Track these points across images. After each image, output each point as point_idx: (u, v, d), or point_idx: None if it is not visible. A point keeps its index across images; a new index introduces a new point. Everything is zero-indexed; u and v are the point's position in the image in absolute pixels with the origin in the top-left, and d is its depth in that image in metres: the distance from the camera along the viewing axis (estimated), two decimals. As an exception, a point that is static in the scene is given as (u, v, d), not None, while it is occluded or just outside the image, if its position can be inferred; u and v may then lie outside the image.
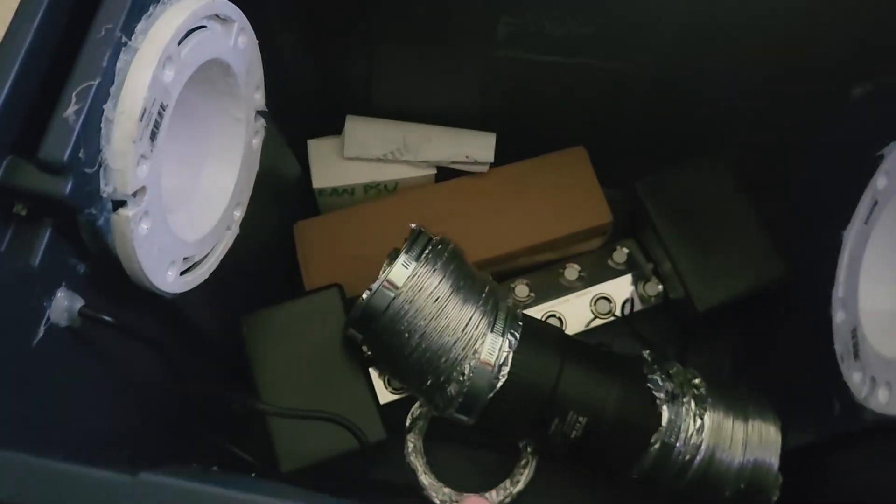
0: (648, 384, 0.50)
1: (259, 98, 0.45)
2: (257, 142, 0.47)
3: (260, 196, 0.56)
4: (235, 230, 0.46)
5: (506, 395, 0.48)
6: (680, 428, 0.49)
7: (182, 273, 0.41)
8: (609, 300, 0.62)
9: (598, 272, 0.63)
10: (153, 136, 0.33)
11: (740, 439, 0.50)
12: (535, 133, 0.64)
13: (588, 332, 0.61)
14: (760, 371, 0.59)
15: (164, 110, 0.34)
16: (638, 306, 0.62)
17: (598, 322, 0.61)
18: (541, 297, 0.62)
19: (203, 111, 0.42)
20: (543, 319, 0.61)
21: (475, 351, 0.48)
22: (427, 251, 0.50)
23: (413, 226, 0.52)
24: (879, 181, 0.43)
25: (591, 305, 0.62)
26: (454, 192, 0.62)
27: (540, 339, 0.51)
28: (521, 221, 0.60)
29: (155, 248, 0.36)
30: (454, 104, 0.63)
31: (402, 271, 0.48)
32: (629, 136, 0.62)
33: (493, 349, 0.47)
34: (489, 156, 0.62)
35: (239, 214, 0.46)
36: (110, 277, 0.36)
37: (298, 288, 0.60)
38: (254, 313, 0.55)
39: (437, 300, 0.48)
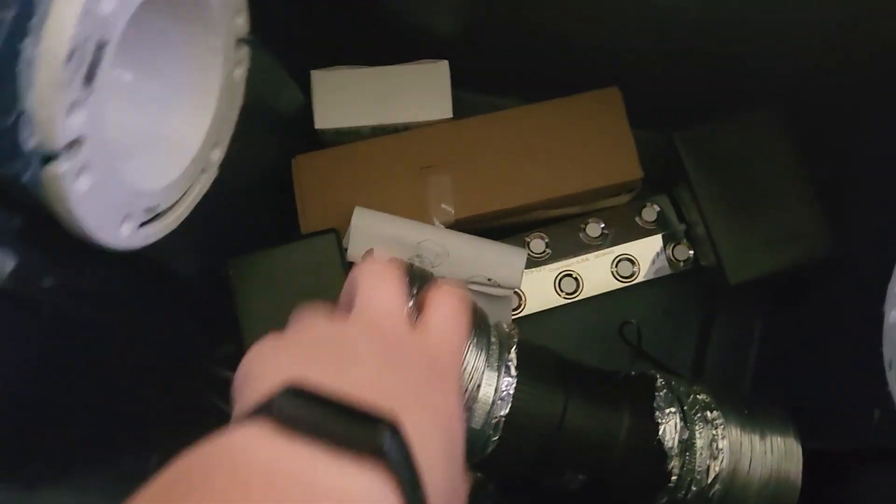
0: (658, 436, 0.44)
1: (241, 23, 0.39)
2: (240, 73, 0.41)
3: (253, 128, 0.51)
4: (213, 173, 0.41)
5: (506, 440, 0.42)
6: (693, 474, 0.44)
7: (144, 224, 0.36)
8: (633, 262, 0.56)
9: (623, 230, 0.57)
10: (89, 78, 0.28)
11: (759, 461, 0.45)
12: (565, 69, 0.57)
13: (606, 296, 0.56)
14: (788, 361, 0.53)
15: (102, 48, 0.28)
16: (665, 271, 0.57)
17: (618, 285, 0.56)
18: (557, 254, 0.57)
19: (169, 40, 0.36)
20: (557, 280, 0.56)
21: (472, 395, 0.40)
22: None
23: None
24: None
25: (612, 267, 0.56)
26: (471, 131, 0.56)
27: (540, 372, 0.43)
28: (542, 171, 0.54)
29: (101, 204, 0.31)
30: (475, 29, 0.56)
31: None
32: (669, 80, 0.55)
33: (487, 391, 0.41)
34: (516, 279, 0.51)
35: (218, 155, 0.41)
36: (52, 231, 0.32)
37: (294, 229, 0.55)
38: (242, 256, 0.50)
39: None
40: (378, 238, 0.51)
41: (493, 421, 0.42)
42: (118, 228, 0.33)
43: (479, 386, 0.41)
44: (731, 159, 0.53)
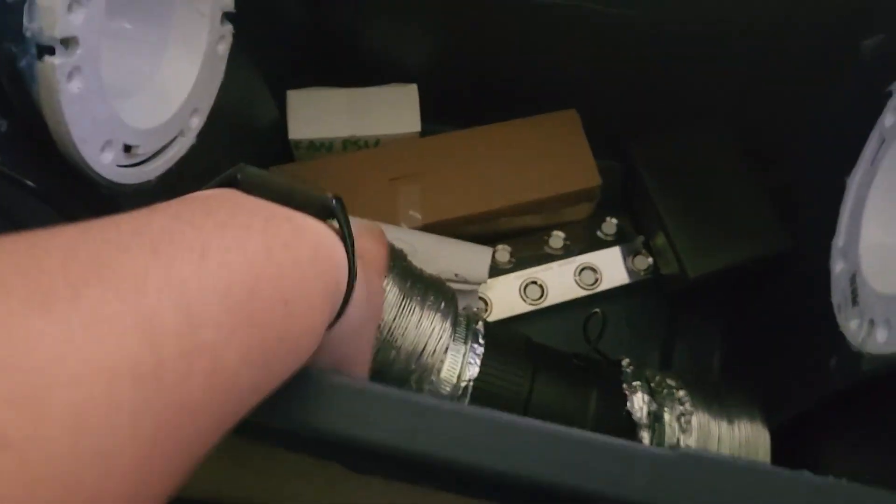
0: (626, 408, 0.44)
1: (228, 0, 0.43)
2: (223, 49, 0.44)
3: (230, 133, 0.54)
4: (191, 139, 0.43)
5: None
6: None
7: (121, 166, 0.37)
8: (595, 270, 0.58)
9: (584, 242, 0.59)
10: (89, -23, 0.30)
11: (727, 444, 0.45)
12: (525, 94, 0.61)
13: (571, 304, 0.57)
14: (752, 359, 0.55)
15: (104, -48, 0.31)
16: (626, 279, 0.58)
17: (582, 293, 0.58)
18: (522, 262, 0.58)
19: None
20: (522, 287, 0.57)
21: (436, 367, 0.41)
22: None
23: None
24: (887, 119, 0.40)
25: (575, 275, 0.58)
26: (437, 147, 0.59)
27: (508, 348, 0.44)
28: (505, 180, 0.57)
29: (88, 115, 0.33)
30: (443, 58, 0.61)
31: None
32: (623, 100, 0.59)
33: (454, 363, 0.41)
34: (482, 273, 0.53)
35: (197, 122, 0.43)
36: (35, 148, 0.33)
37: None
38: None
39: (395, 317, 0.41)
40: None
41: (463, 385, 0.42)
42: (100, 150, 0.35)
43: (446, 349, 0.41)
44: (686, 166, 0.56)
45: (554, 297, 0.57)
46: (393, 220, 0.56)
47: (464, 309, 0.46)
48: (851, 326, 0.38)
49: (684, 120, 0.57)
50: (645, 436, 0.45)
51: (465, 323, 0.44)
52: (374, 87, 0.60)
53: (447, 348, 0.41)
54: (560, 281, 0.58)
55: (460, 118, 0.64)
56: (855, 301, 0.38)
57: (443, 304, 0.44)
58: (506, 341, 0.45)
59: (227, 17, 0.44)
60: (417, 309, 0.41)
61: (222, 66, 0.45)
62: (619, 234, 0.60)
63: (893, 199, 0.39)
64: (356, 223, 0.27)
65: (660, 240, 0.56)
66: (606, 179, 0.58)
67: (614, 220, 0.60)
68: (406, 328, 0.40)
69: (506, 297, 0.57)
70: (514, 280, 0.58)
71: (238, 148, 0.56)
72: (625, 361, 0.47)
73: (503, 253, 0.58)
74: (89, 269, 0.16)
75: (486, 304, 0.57)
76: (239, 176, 0.25)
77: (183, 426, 0.17)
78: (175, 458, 0.17)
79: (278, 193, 0.24)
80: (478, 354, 0.42)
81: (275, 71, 0.57)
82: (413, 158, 0.58)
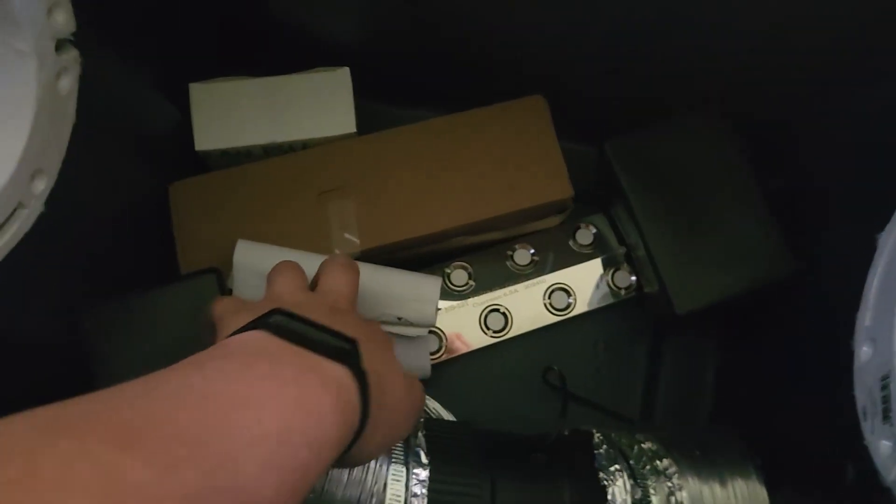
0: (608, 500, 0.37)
1: (61, 20, 0.32)
2: (67, 84, 0.33)
3: (116, 153, 0.43)
4: (38, 208, 0.33)
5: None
6: None
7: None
8: (568, 292, 0.49)
9: (556, 256, 0.50)
10: None
11: None
12: (483, 75, 0.50)
13: (539, 333, 0.49)
14: (748, 396, 0.47)
15: None
16: (605, 301, 0.50)
17: (552, 319, 0.49)
18: (482, 285, 0.50)
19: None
20: (482, 317, 0.49)
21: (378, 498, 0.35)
22: None
23: None
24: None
25: (545, 298, 0.49)
26: (378, 148, 0.48)
27: (456, 456, 0.37)
28: (459, 192, 0.47)
29: None
30: (381, 32, 0.50)
31: None
32: (597, 85, 0.49)
33: (397, 492, 0.34)
34: (430, 315, 0.43)
35: (43, 187, 0.33)
36: None
37: (175, 268, 0.47)
38: (100, 306, 0.42)
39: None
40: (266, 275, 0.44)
41: None
42: None
43: (385, 486, 0.33)
44: (671, 170, 0.46)
45: (520, 326, 0.49)
46: (325, 247, 0.46)
47: None
48: (882, 450, 0.30)
49: (673, 109, 0.47)
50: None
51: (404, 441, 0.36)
52: (296, 76, 0.49)
53: (385, 484, 0.34)
54: (527, 306, 0.49)
55: (404, 97, 0.54)
56: (887, 415, 0.30)
57: None
58: (453, 448, 0.37)
59: (70, 42, 0.33)
60: None
61: (72, 105, 0.34)
62: (597, 244, 0.51)
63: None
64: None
65: (642, 252, 0.47)
66: (579, 168, 0.48)
67: (592, 228, 0.51)
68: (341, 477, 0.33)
69: (462, 330, 0.49)
70: (473, 308, 0.49)
71: (132, 165, 0.46)
72: (596, 437, 0.40)
73: (460, 273, 0.49)
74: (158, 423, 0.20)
75: (439, 338, 0.48)
76: (271, 320, 0.27)
77: None
78: None
79: (306, 339, 0.27)
80: (422, 478, 0.34)
81: (168, 62, 0.46)
82: (347, 165, 0.48)
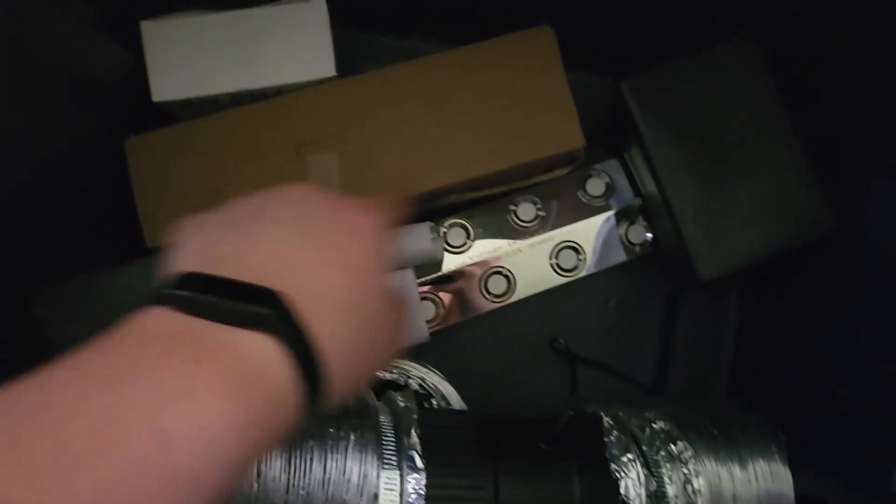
0: (621, 496, 0.33)
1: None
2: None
3: (58, 107, 0.38)
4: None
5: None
6: None
7: None
8: (578, 250, 0.45)
9: (564, 210, 0.45)
10: None
11: (744, 493, 0.35)
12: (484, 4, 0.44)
13: (545, 295, 0.45)
14: (773, 363, 0.43)
15: None
16: (618, 259, 0.45)
17: (559, 281, 0.45)
18: (482, 245, 0.45)
19: None
20: (482, 281, 0.44)
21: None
22: None
23: None
24: None
25: (551, 258, 0.45)
26: (362, 93, 0.42)
27: (454, 450, 0.33)
28: (455, 144, 0.42)
29: None
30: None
31: None
32: (616, 9, 0.42)
33: (390, 498, 0.30)
34: (429, 250, 0.40)
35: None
36: None
37: (139, 236, 0.42)
38: (54, 287, 0.37)
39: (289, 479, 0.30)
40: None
41: None
42: None
43: (376, 496, 0.29)
44: (696, 112, 0.41)
45: (524, 289, 0.44)
46: (305, 208, 0.41)
47: (386, 401, 0.34)
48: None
49: (699, 41, 0.41)
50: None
51: (394, 435, 0.32)
52: (264, 8, 0.42)
53: (377, 495, 0.30)
54: (532, 267, 0.44)
55: (391, 25, 0.47)
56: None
57: (353, 437, 0.31)
58: (451, 446, 0.33)
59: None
60: (315, 458, 0.29)
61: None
62: (610, 195, 0.45)
63: None
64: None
65: (660, 205, 0.42)
66: (591, 102, 0.43)
67: (604, 177, 0.45)
68: (310, 484, 0.28)
69: (461, 294, 0.44)
70: (476, 270, 0.44)
71: (77, 119, 0.40)
72: (606, 422, 0.36)
73: (457, 232, 0.45)
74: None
75: (435, 305, 0.44)
76: (175, 294, 0.23)
77: None
78: None
79: (213, 310, 0.23)
80: (418, 482, 0.30)
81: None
82: (328, 112, 0.42)
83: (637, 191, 0.45)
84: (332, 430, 0.30)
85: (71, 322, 0.37)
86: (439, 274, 0.44)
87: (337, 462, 0.29)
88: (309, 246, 0.26)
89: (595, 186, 0.45)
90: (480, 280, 0.44)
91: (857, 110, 0.40)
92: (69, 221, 0.40)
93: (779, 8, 0.40)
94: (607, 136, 0.45)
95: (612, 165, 0.46)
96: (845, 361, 0.37)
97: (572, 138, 0.41)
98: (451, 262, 0.44)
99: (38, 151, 0.37)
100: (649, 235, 0.45)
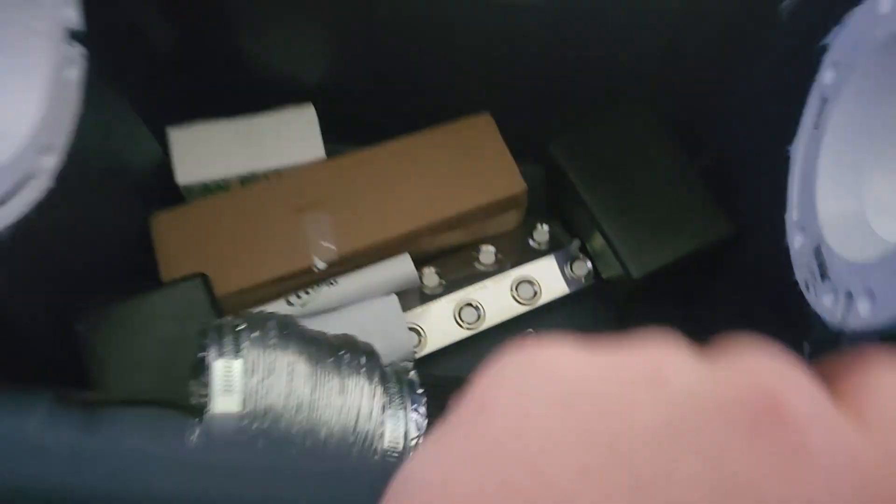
0: None
1: (70, 15, 0.36)
2: (74, 74, 0.37)
3: (102, 176, 0.47)
4: (46, 181, 0.36)
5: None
6: None
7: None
8: (532, 283, 0.53)
9: (517, 254, 0.54)
10: None
11: None
12: (434, 101, 0.56)
13: (512, 322, 0.52)
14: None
15: None
16: (567, 289, 0.54)
17: (521, 309, 0.53)
18: (453, 284, 0.53)
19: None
20: (457, 312, 0.52)
21: (378, 433, 0.36)
22: (244, 345, 0.35)
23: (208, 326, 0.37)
24: (826, 76, 0.36)
25: (511, 291, 0.53)
26: (346, 168, 0.53)
27: (448, 391, 0.39)
28: (423, 196, 0.52)
29: None
30: (338, 70, 0.56)
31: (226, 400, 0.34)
32: (537, 96, 0.55)
33: (397, 422, 0.36)
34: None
35: (52, 162, 0.37)
36: None
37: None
38: (96, 309, 0.44)
39: (312, 391, 0.35)
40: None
41: (413, 445, 0.37)
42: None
43: (384, 407, 0.35)
44: (612, 157, 0.52)
45: (492, 317, 0.52)
46: (304, 257, 0.50)
47: (389, 366, 0.41)
48: (826, 303, 0.34)
49: (604, 107, 0.53)
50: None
51: (396, 378, 0.39)
52: (265, 114, 0.54)
53: (384, 407, 0.36)
54: (497, 299, 0.52)
55: (366, 134, 0.59)
56: (825, 275, 0.34)
57: (363, 360, 0.38)
58: (444, 384, 0.39)
59: (74, 37, 0.37)
60: (335, 375, 0.35)
61: (74, 94, 0.38)
62: (553, 241, 0.55)
63: (846, 162, 0.35)
64: None
65: (597, 241, 0.51)
66: (530, 185, 0.54)
67: (545, 227, 0.55)
68: (329, 399, 0.34)
69: (440, 325, 0.51)
70: (447, 305, 0.52)
71: (115, 192, 0.49)
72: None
73: (431, 276, 0.53)
74: None
75: (418, 335, 0.51)
76: None
77: None
78: None
79: None
80: (420, 406, 0.36)
81: (150, 104, 0.51)
82: (318, 184, 0.52)
83: (574, 234, 0.55)
84: (347, 357, 0.36)
85: (106, 340, 0.43)
86: (421, 309, 0.52)
87: (352, 380, 0.35)
88: None
89: (540, 235, 0.55)
90: (455, 312, 0.52)
91: (733, 146, 0.52)
92: (107, 276, 0.47)
93: (664, 72, 0.53)
94: (543, 206, 0.56)
95: (552, 221, 0.56)
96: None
97: (515, 183, 0.52)
98: (429, 298, 0.52)
99: (89, 216, 0.45)
100: (590, 266, 0.54)
